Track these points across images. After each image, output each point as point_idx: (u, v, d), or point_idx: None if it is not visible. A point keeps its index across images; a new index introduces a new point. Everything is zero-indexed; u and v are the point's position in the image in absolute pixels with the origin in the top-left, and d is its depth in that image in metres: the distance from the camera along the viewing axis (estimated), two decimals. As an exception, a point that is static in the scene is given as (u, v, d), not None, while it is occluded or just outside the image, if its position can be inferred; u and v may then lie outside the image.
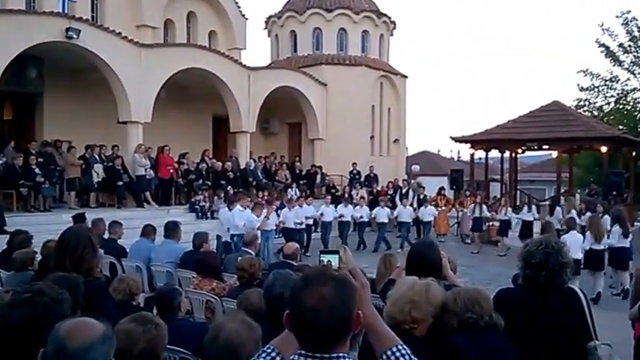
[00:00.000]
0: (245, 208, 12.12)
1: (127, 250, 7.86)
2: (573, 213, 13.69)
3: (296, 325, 1.71)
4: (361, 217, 16.19)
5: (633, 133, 20.20)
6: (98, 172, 14.93)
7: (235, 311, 4.33)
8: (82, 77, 16.33)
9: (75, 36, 14.17)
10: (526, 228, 15.05)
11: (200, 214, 16.04)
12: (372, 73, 23.25)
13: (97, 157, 15.22)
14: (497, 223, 16.35)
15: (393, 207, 17.36)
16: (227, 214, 12.24)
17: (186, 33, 21.50)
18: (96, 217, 8.32)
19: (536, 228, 14.57)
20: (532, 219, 15.18)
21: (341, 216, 15.91)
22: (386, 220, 16.42)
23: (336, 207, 16.30)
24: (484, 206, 16.60)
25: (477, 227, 16.45)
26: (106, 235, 7.94)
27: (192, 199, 16.42)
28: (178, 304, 3.98)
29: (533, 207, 15.70)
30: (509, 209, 16.03)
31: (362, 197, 17.77)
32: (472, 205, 16.84)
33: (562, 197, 18.48)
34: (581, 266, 10.05)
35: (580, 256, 9.87)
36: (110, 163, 15.34)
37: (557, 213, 14.59)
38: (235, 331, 2.37)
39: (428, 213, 16.79)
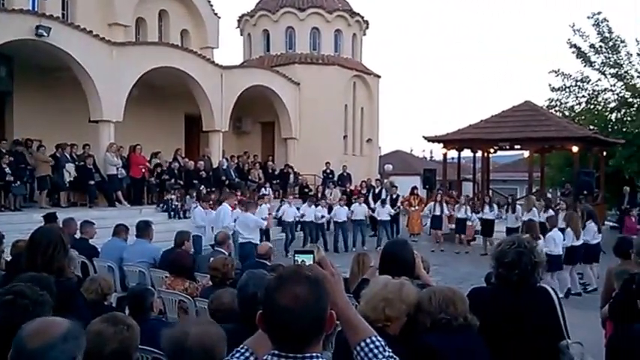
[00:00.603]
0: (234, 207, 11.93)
1: (99, 250, 7.76)
2: (534, 211, 13.97)
3: (269, 325, 1.70)
4: (322, 216, 15.78)
5: (604, 133, 20.49)
6: (70, 171, 14.71)
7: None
8: (53, 75, 16.06)
9: (45, 34, 13.93)
10: (487, 226, 15.37)
11: (172, 213, 15.88)
12: (345, 73, 23.32)
13: (68, 156, 14.98)
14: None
15: (367, 206, 17.39)
16: (210, 215, 11.88)
17: (158, 32, 21.29)
18: (67, 217, 8.19)
19: (498, 227, 15.07)
20: (493, 217, 15.46)
21: (302, 215, 15.46)
22: (345, 219, 16.40)
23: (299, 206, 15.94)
24: (444, 204, 16.80)
25: (436, 225, 16.61)
26: (78, 235, 7.83)
27: (165, 198, 16.24)
28: (151, 304, 3.95)
29: (495, 206, 15.95)
30: (469, 208, 16.24)
31: (322, 197, 17.54)
32: (432, 203, 17.01)
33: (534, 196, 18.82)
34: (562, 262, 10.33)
35: (561, 252, 10.18)
36: (82, 163, 15.12)
37: (518, 211, 14.88)
38: (206, 333, 2.31)
39: (385, 212, 16.62)
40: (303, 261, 1.92)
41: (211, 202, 12.79)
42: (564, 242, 10.33)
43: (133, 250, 7.50)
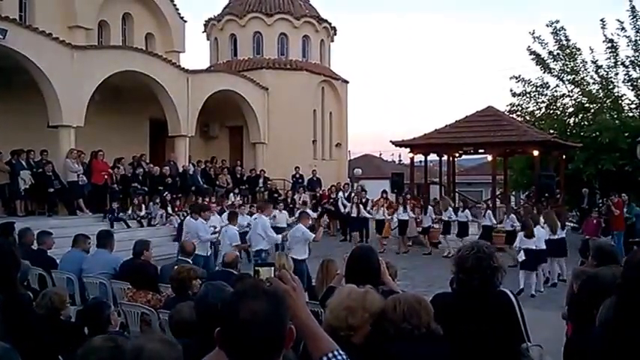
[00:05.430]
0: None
1: (57, 262, 7.48)
2: (450, 211, 16.01)
3: (227, 341, 1.65)
4: (248, 224, 13.45)
5: (563, 138, 20.92)
6: (25, 178, 14.22)
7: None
8: (9, 79, 15.56)
9: (1, 36, 13.54)
10: (401, 226, 16.81)
11: (114, 222, 14.93)
12: (313, 78, 23.36)
13: (23, 163, 14.48)
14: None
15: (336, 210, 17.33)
16: (193, 224, 10.75)
17: (122, 35, 20.91)
18: (23, 227, 7.92)
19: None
20: (407, 218, 16.68)
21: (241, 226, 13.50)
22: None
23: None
24: (384, 209, 17.21)
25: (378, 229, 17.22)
26: (35, 246, 7.56)
27: (109, 207, 15.45)
28: (107, 317, 3.82)
29: (430, 208, 17.02)
30: (410, 212, 16.93)
31: (241, 204, 16.05)
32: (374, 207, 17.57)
33: (497, 199, 19.15)
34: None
35: (544, 246, 11.06)
36: (40, 169, 14.66)
37: (430, 212, 16.63)
38: (156, 351, 2.15)
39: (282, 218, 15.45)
40: (256, 272, 1.90)
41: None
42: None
43: (93, 261, 7.22)
